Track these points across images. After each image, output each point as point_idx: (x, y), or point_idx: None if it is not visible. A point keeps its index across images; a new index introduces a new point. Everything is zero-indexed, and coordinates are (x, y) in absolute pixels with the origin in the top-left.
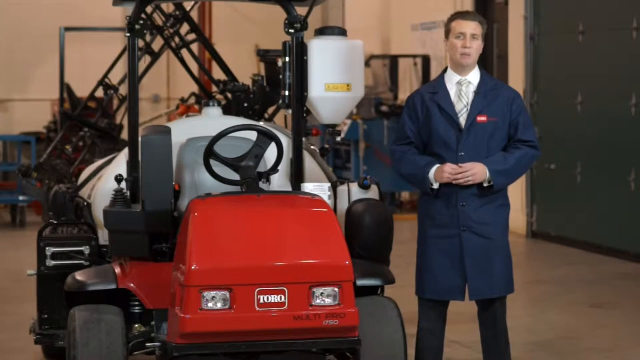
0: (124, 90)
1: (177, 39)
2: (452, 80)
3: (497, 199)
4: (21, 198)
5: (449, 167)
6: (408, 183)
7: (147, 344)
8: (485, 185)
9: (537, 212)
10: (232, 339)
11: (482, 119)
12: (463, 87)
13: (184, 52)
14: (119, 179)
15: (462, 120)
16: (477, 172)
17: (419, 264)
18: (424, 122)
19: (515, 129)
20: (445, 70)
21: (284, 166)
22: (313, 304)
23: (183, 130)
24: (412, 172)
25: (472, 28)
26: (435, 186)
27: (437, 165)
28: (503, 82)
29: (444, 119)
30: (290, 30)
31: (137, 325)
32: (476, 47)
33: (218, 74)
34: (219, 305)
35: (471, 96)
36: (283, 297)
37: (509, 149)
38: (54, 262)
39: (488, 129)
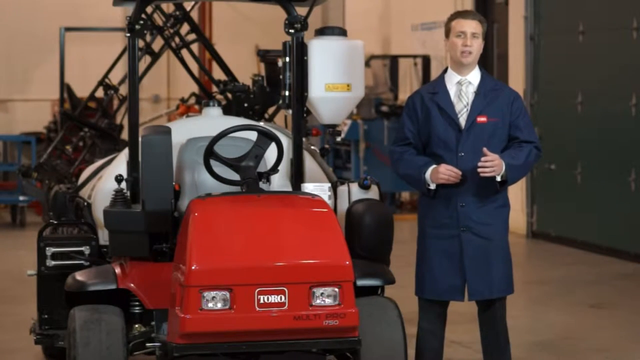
0: (124, 90)
1: (177, 39)
2: (452, 80)
3: (496, 199)
4: (21, 198)
5: (444, 168)
6: (406, 183)
7: (147, 344)
8: (499, 179)
9: (537, 212)
10: (232, 339)
11: (482, 119)
12: (463, 87)
13: (184, 52)
14: (119, 179)
15: (462, 120)
16: (498, 164)
17: (418, 264)
18: (423, 122)
19: (517, 129)
20: (445, 70)
21: (284, 166)
22: (313, 304)
23: (183, 130)
24: (409, 172)
25: (472, 27)
26: (432, 186)
27: (433, 166)
28: (503, 82)
29: (443, 119)
30: (290, 30)
31: (137, 325)
32: (477, 46)
33: (218, 74)
34: (219, 305)
35: (471, 96)
36: (283, 297)
37: (514, 147)
38: (54, 262)
39: (488, 129)
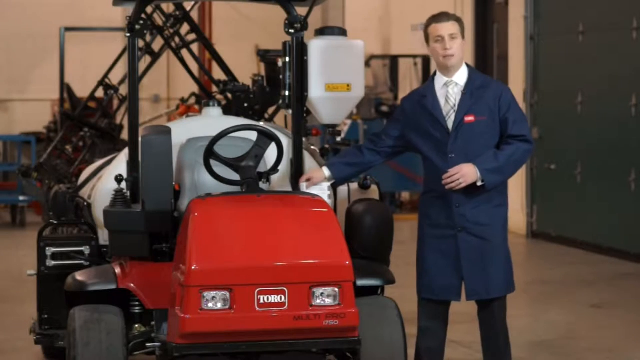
0: (124, 90)
1: (177, 39)
2: (440, 83)
3: (493, 199)
4: (21, 198)
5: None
6: None
7: (147, 344)
8: (479, 184)
9: (537, 212)
10: (232, 339)
11: (469, 119)
12: (449, 88)
13: (184, 52)
14: (119, 179)
15: (450, 122)
16: (465, 173)
17: (417, 263)
18: (414, 125)
19: (507, 124)
20: (435, 74)
21: (284, 166)
22: (313, 304)
23: (183, 130)
24: None
25: (447, 29)
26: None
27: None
28: (499, 80)
29: (432, 122)
30: (290, 30)
31: (137, 325)
32: (457, 46)
33: (218, 74)
34: (219, 305)
35: (458, 97)
36: (283, 297)
37: (501, 146)
38: (54, 262)
39: (476, 128)
